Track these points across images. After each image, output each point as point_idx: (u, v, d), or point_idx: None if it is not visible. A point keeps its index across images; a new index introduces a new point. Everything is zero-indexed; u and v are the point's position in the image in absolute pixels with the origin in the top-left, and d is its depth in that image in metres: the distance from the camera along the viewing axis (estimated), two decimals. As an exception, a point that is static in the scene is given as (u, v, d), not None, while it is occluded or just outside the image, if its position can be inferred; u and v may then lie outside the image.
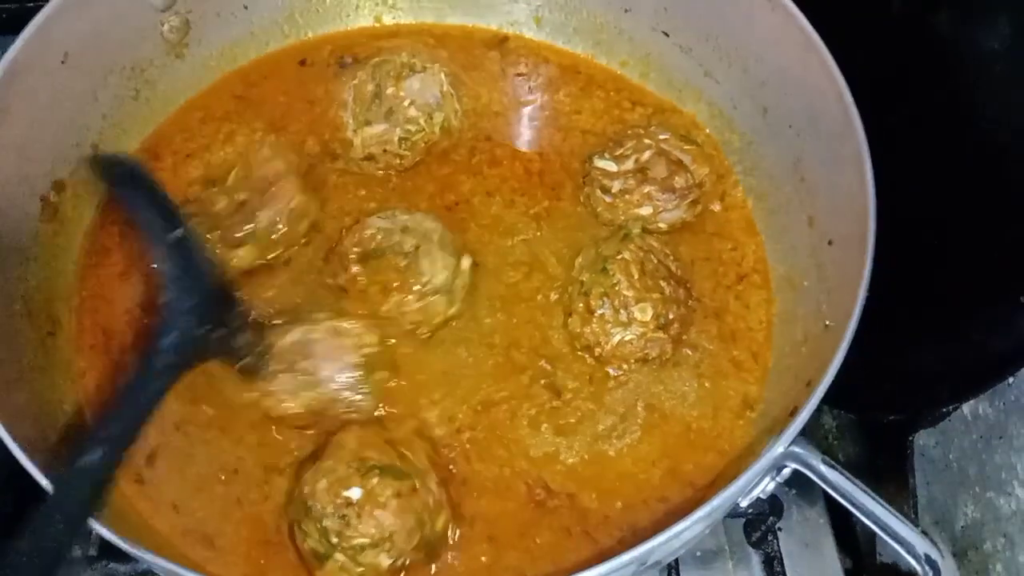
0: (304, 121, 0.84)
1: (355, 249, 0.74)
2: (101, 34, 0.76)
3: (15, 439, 0.56)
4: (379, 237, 0.74)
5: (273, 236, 0.75)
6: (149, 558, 0.53)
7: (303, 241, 0.77)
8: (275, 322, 0.71)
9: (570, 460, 0.70)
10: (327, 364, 0.69)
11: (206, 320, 0.66)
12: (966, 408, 0.77)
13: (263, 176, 0.76)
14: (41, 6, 0.71)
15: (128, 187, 0.73)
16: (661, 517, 0.67)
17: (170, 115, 0.84)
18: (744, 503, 0.64)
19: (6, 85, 0.68)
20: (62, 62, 0.73)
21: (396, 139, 0.80)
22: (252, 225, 0.74)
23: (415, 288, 0.72)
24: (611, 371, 0.73)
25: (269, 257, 0.76)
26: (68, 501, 0.55)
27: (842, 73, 0.69)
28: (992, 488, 0.75)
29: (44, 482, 0.55)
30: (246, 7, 0.86)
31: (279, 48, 0.89)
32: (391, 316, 0.73)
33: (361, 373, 0.69)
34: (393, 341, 0.72)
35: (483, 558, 0.67)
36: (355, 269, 0.73)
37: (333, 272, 0.74)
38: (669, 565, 0.79)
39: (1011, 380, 0.71)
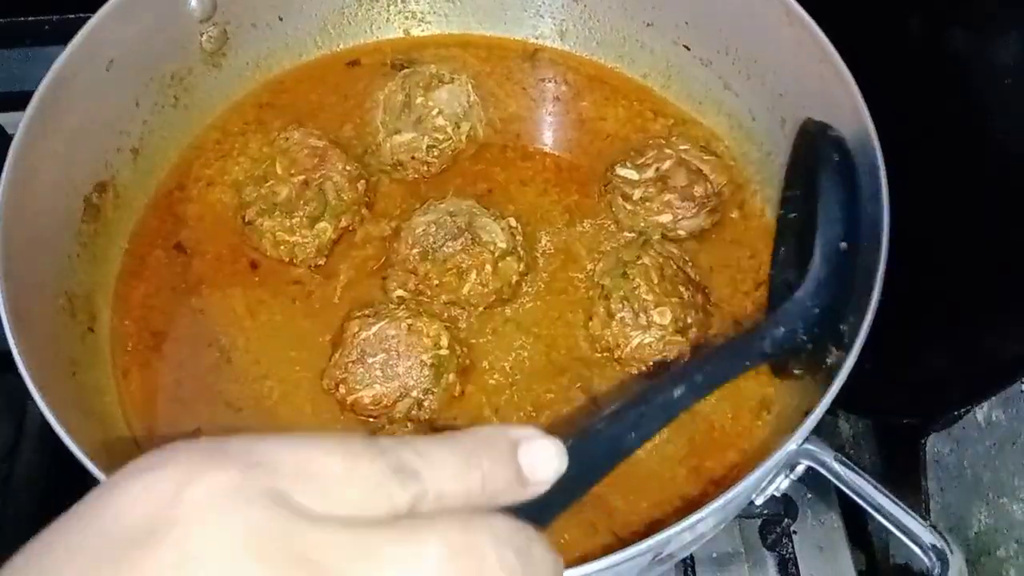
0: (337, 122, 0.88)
1: (414, 251, 0.76)
2: (144, 43, 0.79)
3: (65, 428, 0.59)
4: (432, 230, 0.76)
5: (343, 201, 0.79)
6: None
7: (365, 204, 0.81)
8: (358, 314, 0.73)
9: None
10: (401, 361, 0.71)
11: (810, 332, 0.65)
12: (980, 415, 0.78)
13: (306, 156, 0.80)
14: (87, 17, 0.74)
15: (827, 168, 0.69)
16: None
17: (207, 121, 0.87)
18: (759, 501, 0.66)
19: (55, 90, 0.70)
20: (107, 70, 0.76)
21: (424, 147, 0.83)
22: (322, 197, 0.78)
23: (486, 256, 0.75)
24: (634, 373, 0.75)
25: (343, 225, 0.80)
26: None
27: (858, 85, 0.71)
28: (1006, 494, 0.76)
29: (91, 467, 0.57)
30: (281, 19, 0.89)
31: (313, 58, 0.92)
32: (474, 294, 0.75)
33: (431, 374, 0.71)
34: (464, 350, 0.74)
35: None
36: (423, 269, 0.76)
37: (402, 281, 0.77)
38: (685, 565, 0.81)
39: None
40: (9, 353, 0.61)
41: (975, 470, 0.80)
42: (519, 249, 0.77)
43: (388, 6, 0.93)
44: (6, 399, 0.83)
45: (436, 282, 0.76)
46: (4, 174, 0.66)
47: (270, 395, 0.74)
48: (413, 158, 0.84)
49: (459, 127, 0.84)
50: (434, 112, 0.84)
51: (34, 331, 0.65)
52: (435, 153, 0.84)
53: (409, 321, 0.72)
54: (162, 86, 0.83)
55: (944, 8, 0.72)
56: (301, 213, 0.78)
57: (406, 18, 0.94)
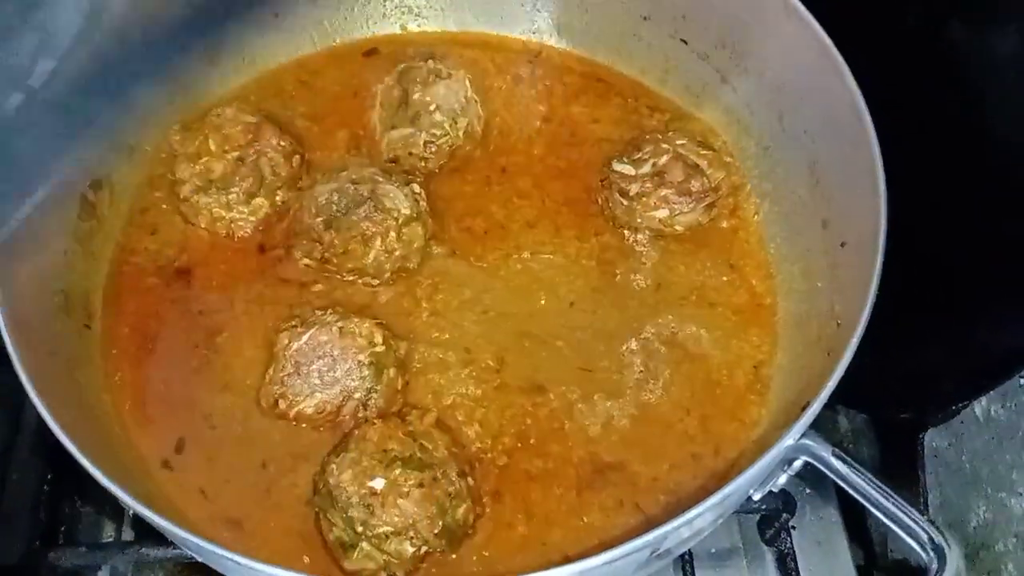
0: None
1: (318, 220, 0.77)
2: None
3: (58, 423, 0.59)
4: (335, 198, 0.77)
5: (278, 177, 0.80)
6: (186, 536, 0.55)
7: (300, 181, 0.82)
8: (285, 325, 0.73)
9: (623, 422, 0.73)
10: (338, 365, 0.71)
11: None
12: (978, 409, 0.78)
13: (239, 132, 0.80)
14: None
15: None
16: (700, 480, 0.71)
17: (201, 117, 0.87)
18: (757, 496, 0.66)
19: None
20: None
21: (421, 143, 0.83)
22: (258, 173, 0.79)
23: (390, 223, 0.76)
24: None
25: (279, 201, 0.81)
26: None
27: (856, 79, 0.71)
28: (1004, 489, 0.76)
29: (87, 464, 0.57)
30: (276, 15, 0.89)
31: (309, 54, 0.92)
32: (379, 262, 0.76)
33: (372, 373, 0.72)
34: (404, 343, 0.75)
35: (520, 531, 0.69)
36: (328, 236, 0.76)
37: (307, 250, 0.78)
38: (684, 561, 0.80)
39: (1022, 381, 0.72)
40: (4, 350, 0.60)
41: (974, 465, 0.80)
42: (424, 215, 0.78)
43: (385, 1, 0.92)
44: (2, 396, 0.83)
45: (341, 250, 0.76)
46: None
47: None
48: (410, 154, 0.83)
49: (456, 123, 0.84)
50: (431, 108, 0.83)
51: (30, 328, 0.65)
52: (432, 149, 0.83)
53: (340, 324, 0.72)
54: (157, 85, 0.82)
55: (943, 1, 0.72)
56: (240, 191, 0.78)
57: (403, 13, 0.93)
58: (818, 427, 0.61)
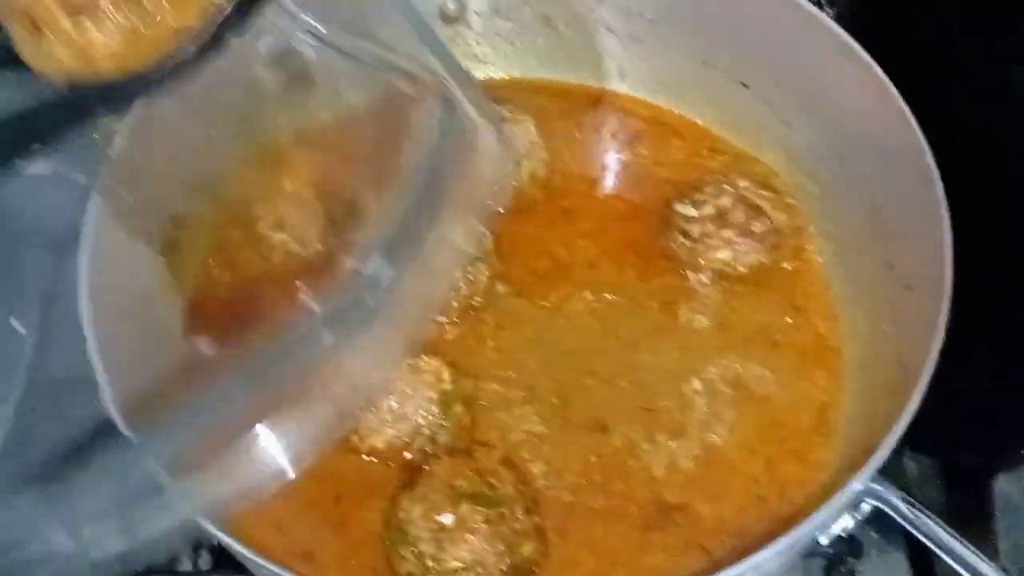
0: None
1: None
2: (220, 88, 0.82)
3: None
4: None
5: None
6: (272, 567, 0.57)
7: None
8: None
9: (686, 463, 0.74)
10: (408, 402, 0.73)
11: None
12: (1050, 454, 0.77)
13: (312, 171, 0.80)
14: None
15: None
16: (766, 523, 0.71)
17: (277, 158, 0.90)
18: (824, 540, 0.65)
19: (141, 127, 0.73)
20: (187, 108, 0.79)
21: (486, 185, 0.85)
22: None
23: None
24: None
25: None
26: None
27: (918, 122, 0.72)
28: (1077, 536, 0.75)
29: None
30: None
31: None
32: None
33: (440, 409, 0.73)
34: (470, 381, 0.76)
35: (585, 569, 0.70)
36: None
37: None
38: (748, 605, 0.80)
39: (1096, 427, 0.71)
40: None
41: (1046, 511, 0.78)
42: (489, 255, 0.80)
43: (451, 48, 0.95)
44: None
45: None
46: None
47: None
48: (476, 196, 0.86)
49: (520, 167, 0.86)
50: (496, 151, 0.86)
51: (119, 358, 0.67)
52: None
53: (410, 361, 0.73)
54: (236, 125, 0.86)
55: (1009, 47, 0.72)
56: (311, 227, 0.79)
57: (468, 60, 0.96)
58: (886, 471, 0.60)
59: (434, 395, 0.73)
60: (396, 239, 0.55)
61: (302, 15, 0.58)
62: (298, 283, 0.65)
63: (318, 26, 0.59)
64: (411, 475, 0.71)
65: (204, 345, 0.69)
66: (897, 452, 0.59)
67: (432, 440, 0.73)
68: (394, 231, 0.56)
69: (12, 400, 0.64)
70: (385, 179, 0.61)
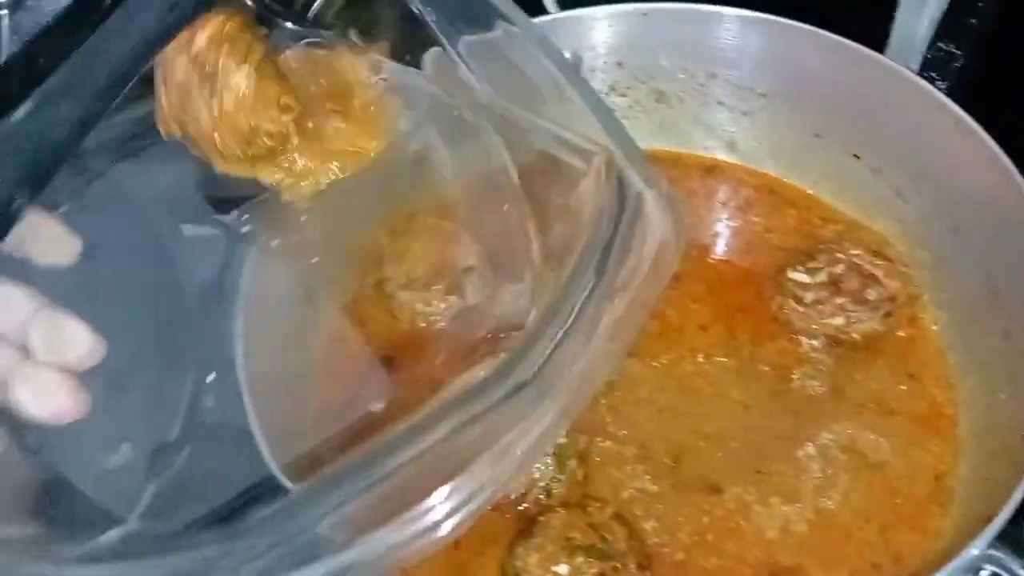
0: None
1: None
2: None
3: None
4: None
5: None
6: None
7: None
8: None
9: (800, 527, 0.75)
10: None
11: None
12: None
13: (440, 236, 0.86)
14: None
15: None
16: None
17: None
18: (942, 609, 0.65)
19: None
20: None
21: (601, 251, 0.90)
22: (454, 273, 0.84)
23: None
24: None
25: None
26: None
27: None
28: None
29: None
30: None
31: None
32: None
33: (555, 463, 0.76)
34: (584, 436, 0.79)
35: None
36: None
37: None
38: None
39: None
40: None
41: None
42: None
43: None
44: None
45: None
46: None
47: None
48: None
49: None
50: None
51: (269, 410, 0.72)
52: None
53: None
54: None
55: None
56: (438, 288, 0.83)
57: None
58: (1004, 538, 0.61)
59: (548, 449, 0.76)
60: (561, 310, 0.54)
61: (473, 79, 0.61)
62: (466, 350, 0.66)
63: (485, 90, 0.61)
64: (526, 525, 0.74)
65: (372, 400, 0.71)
66: (1015, 520, 0.60)
67: (547, 492, 0.76)
68: (560, 303, 0.55)
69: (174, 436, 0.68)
70: (546, 249, 0.62)
